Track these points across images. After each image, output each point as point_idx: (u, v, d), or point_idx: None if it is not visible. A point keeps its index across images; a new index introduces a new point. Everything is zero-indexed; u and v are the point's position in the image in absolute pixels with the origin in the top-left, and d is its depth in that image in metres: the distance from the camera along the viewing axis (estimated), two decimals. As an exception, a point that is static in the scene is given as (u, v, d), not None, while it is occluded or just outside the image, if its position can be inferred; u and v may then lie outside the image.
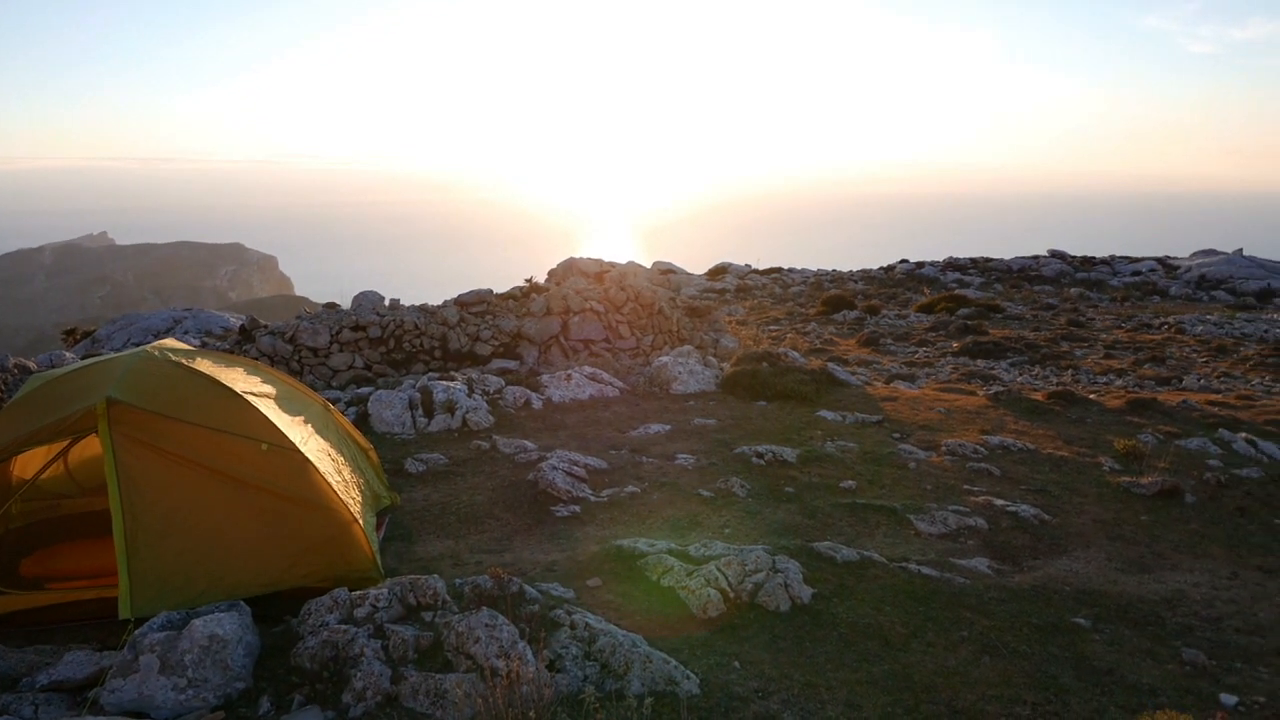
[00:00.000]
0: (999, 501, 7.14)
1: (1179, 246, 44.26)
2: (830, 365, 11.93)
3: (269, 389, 6.02)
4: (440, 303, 15.03)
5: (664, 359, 11.30)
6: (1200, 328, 21.68)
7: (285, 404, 5.98)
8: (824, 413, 9.75)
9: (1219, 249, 39.36)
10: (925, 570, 5.84)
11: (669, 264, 40.94)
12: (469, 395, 9.53)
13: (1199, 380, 14.07)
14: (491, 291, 15.18)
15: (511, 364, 13.53)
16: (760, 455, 8.02)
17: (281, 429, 5.47)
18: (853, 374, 13.61)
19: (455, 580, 4.96)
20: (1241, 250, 38.04)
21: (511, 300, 15.72)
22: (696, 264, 42.46)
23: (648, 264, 40.40)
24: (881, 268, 39.97)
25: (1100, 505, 7.36)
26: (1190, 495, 7.54)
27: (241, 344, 13.37)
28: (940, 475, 7.84)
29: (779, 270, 39.52)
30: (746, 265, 41.00)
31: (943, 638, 5.05)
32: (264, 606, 4.86)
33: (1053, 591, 5.77)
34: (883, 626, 5.11)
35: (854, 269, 40.35)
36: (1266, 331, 20.83)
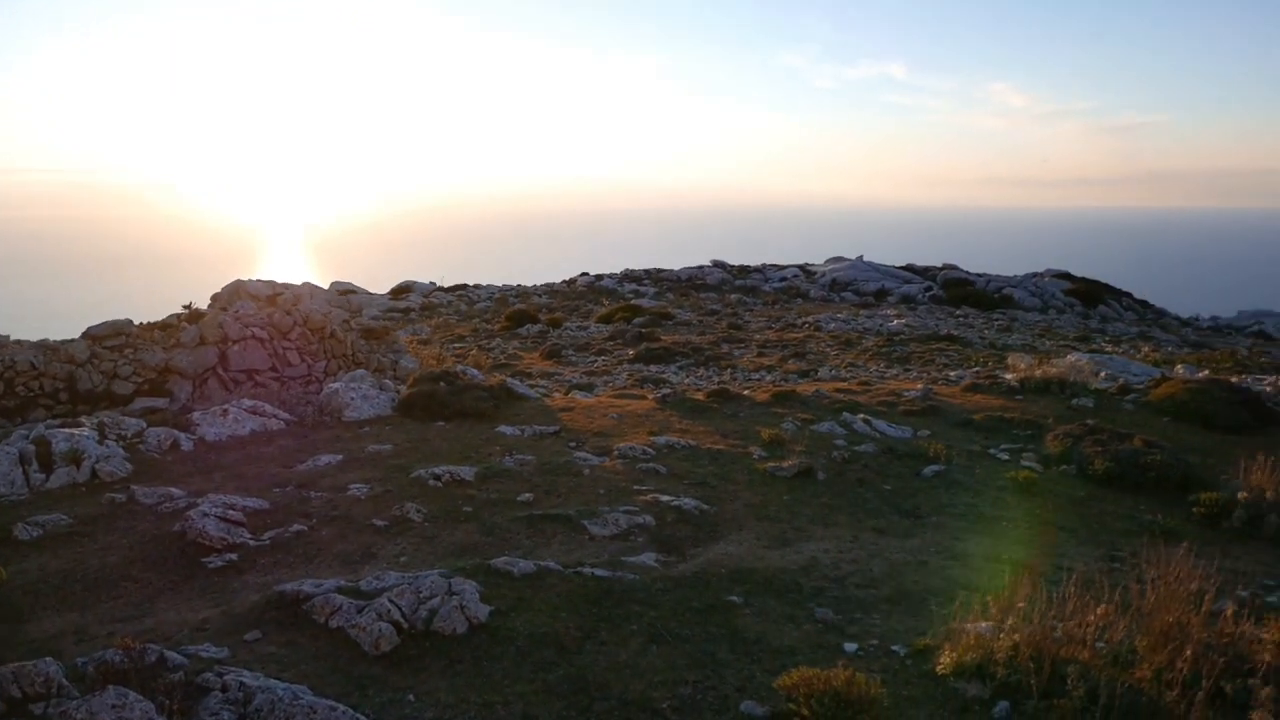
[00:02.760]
0: (665, 498, 7.65)
1: (816, 254, 50.47)
2: (510, 380, 12.08)
3: None
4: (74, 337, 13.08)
5: (335, 385, 10.74)
6: (833, 325, 24.92)
7: None
8: (503, 428, 9.84)
9: (845, 256, 45.46)
10: (598, 572, 6.08)
11: (349, 284, 39.10)
12: (99, 442, 8.36)
13: (831, 371, 16.18)
14: (131, 322, 13.50)
15: (160, 402, 12.11)
16: (438, 477, 7.90)
17: None
18: (534, 387, 13.89)
19: (77, 660, 4.32)
20: (862, 256, 44.24)
21: (159, 331, 14.10)
22: (379, 283, 40.88)
23: (325, 284, 38.31)
24: (564, 281, 41.28)
25: (751, 490, 8.16)
26: (822, 473, 8.61)
27: None
28: (612, 479, 8.24)
29: (465, 287, 39.35)
30: (432, 283, 40.31)
31: (615, 634, 5.29)
32: None
33: (711, 575, 6.29)
34: (559, 633, 5.24)
35: (539, 283, 41.25)
36: (881, 326, 24.47)
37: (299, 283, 33.24)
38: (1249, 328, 34.13)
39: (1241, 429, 10.86)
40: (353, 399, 10.40)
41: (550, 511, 7.28)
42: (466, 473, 8.06)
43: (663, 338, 21.69)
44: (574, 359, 19.32)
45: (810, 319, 26.70)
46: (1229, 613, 5.23)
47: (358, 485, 7.77)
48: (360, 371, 11.65)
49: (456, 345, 22.07)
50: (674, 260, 46.67)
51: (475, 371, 12.52)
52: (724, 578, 6.25)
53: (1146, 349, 22.87)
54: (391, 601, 5.26)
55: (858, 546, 7.04)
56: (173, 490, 7.44)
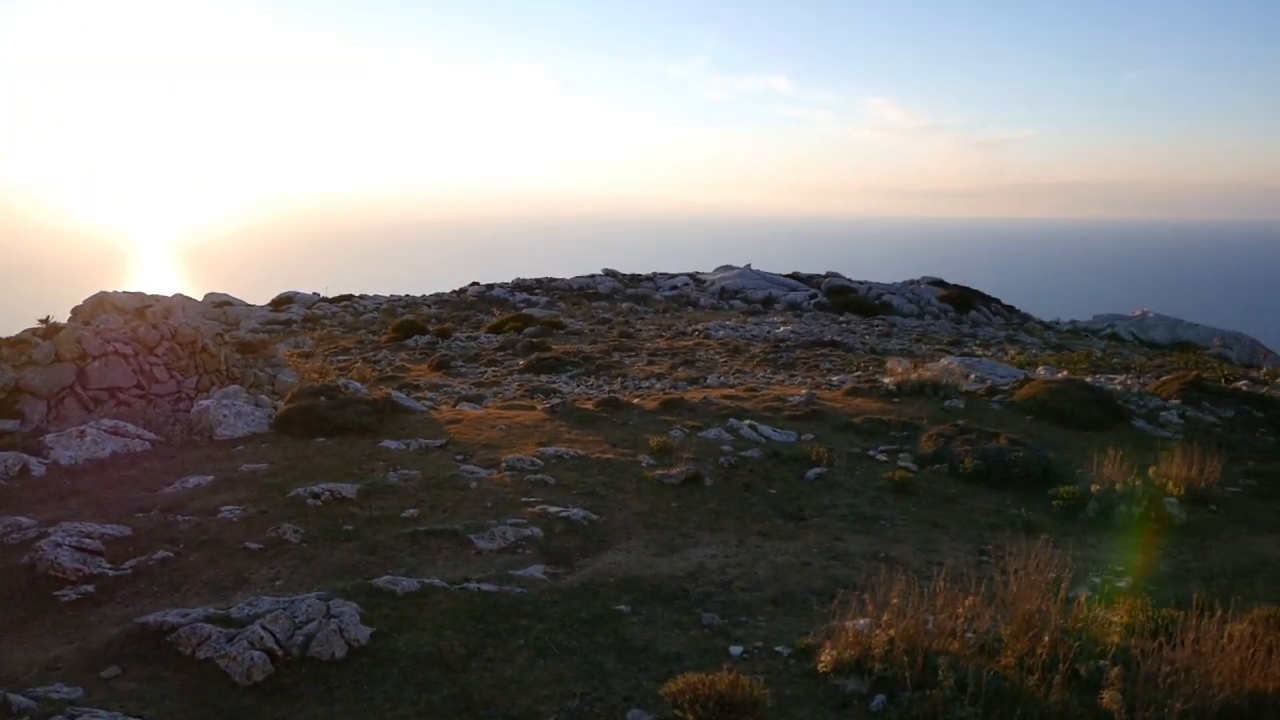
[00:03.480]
0: (553, 509, 7.61)
1: (707, 262, 51.31)
2: (395, 393, 11.78)
3: None
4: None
5: (206, 402, 10.22)
6: (722, 332, 25.37)
7: None
8: (388, 443, 9.59)
9: (734, 264, 46.39)
10: (485, 587, 5.99)
11: (225, 296, 37.41)
12: (-62, 471, 7.70)
13: (719, 378, 16.47)
14: (-28, 339, 12.49)
15: (10, 424, 11.25)
16: (317, 495, 7.62)
17: None
18: (421, 399, 13.59)
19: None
20: (751, 265, 45.23)
21: (9, 348, 13.10)
22: (259, 294, 39.26)
23: (199, 296, 36.50)
24: (454, 291, 40.60)
25: (639, 499, 8.21)
26: (709, 479, 8.74)
27: None
28: (500, 491, 8.14)
29: (350, 298, 38.19)
30: (315, 294, 38.97)
31: (501, 650, 5.22)
32: None
33: (600, 585, 6.28)
34: (443, 651, 5.13)
35: (428, 293, 40.44)
36: (768, 332, 25.06)
37: (170, 294, 31.57)
38: (1103, 330, 36.61)
39: (1095, 425, 11.62)
40: (225, 416, 9.93)
41: (436, 527, 7.13)
42: (348, 490, 7.81)
43: (554, 347, 21.59)
44: (463, 370, 19.02)
45: (700, 327, 27.11)
46: (1082, 598, 5.58)
47: (230, 507, 7.41)
48: (234, 387, 11.13)
49: (341, 358, 21.38)
50: (566, 269, 46.60)
51: (359, 385, 12.16)
52: (612, 587, 6.26)
53: (1013, 352, 24.21)
54: (265, 628, 5.03)
55: (744, 550, 7.17)
56: (20, 519, 6.91)
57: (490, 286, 40.50)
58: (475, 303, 37.02)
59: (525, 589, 6.07)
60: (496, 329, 27.29)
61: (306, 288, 40.10)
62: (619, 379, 16.99)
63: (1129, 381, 14.95)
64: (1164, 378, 14.35)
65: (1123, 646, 5.07)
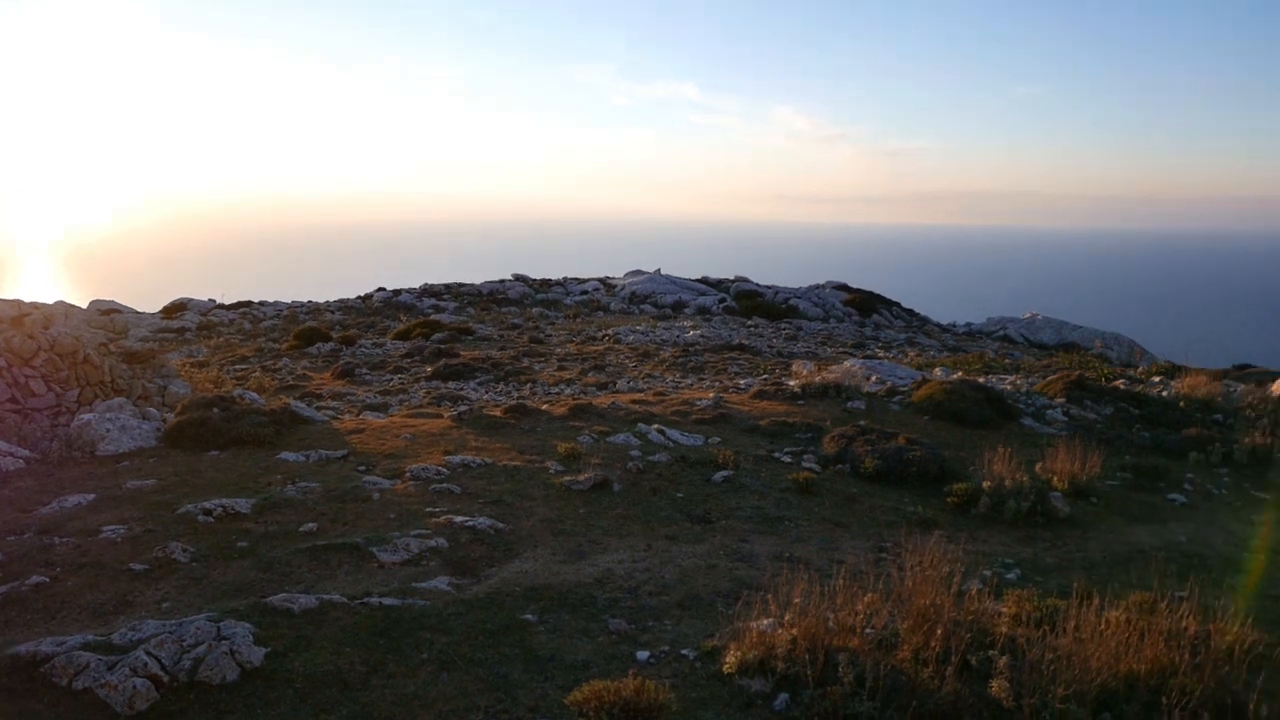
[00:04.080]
0: (459, 518, 7.49)
1: (617, 267, 51.44)
2: (295, 403, 11.40)
3: None
4: None
5: (88, 416, 9.68)
6: (632, 337, 25.47)
7: None
8: (286, 455, 9.26)
9: (644, 269, 46.68)
10: (387, 601, 5.85)
11: (112, 303, 35.60)
12: None
13: (629, 383, 16.51)
14: None
15: None
16: (209, 512, 7.31)
17: None
18: (323, 409, 13.20)
19: None
20: (661, 270, 45.59)
21: None
22: (149, 301, 37.51)
23: (84, 303, 34.58)
24: (360, 296, 39.65)
25: (547, 506, 8.15)
26: (617, 484, 8.75)
27: None
28: (404, 502, 7.96)
29: (249, 304, 36.85)
30: (211, 300, 37.44)
31: (403, 665, 5.10)
32: None
33: (506, 595, 6.21)
34: (342, 670, 4.99)
35: (332, 299, 39.37)
36: (678, 337, 25.28)
37: (52, 302, 29.78)
38: (996, 332, 38.27)
39: (987, 424, 12.12)
40: (109, 430, 9.42)
41: (336, 541, 6.93)
42: (243, 505, 7.52)
43: (462, 353, 21.29)
44: (368, 378, 18.56)
45: (610, 331, 27.15)
46: (973, 591, 5.81)
47: (113, 527, 7.04)
48: (119, 400, 10.57)
49: (239, 367, 20.59)
50: (476, 274, 46.06)
51: (256, 395, 11.72)
52: (519, 596, 6.20)
53: (912, 354, 25.07)
54: (149, 654, 4.79)
55: (651, 555, 7.20)
56: (-124, 546, 6.41)
57: (397, 292, 39.69)
58: (382, 309, 36.21)
59: (429, 601, 5.96)
60: (403, 335, 26.75)
61: (202, 294, 38.52)
62: (529, 385, 16.86)
63: (1018, 381, 15.66)
64: (1050, 378, 15.08)
65: (1010, 636, 5.29)
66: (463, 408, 12.16)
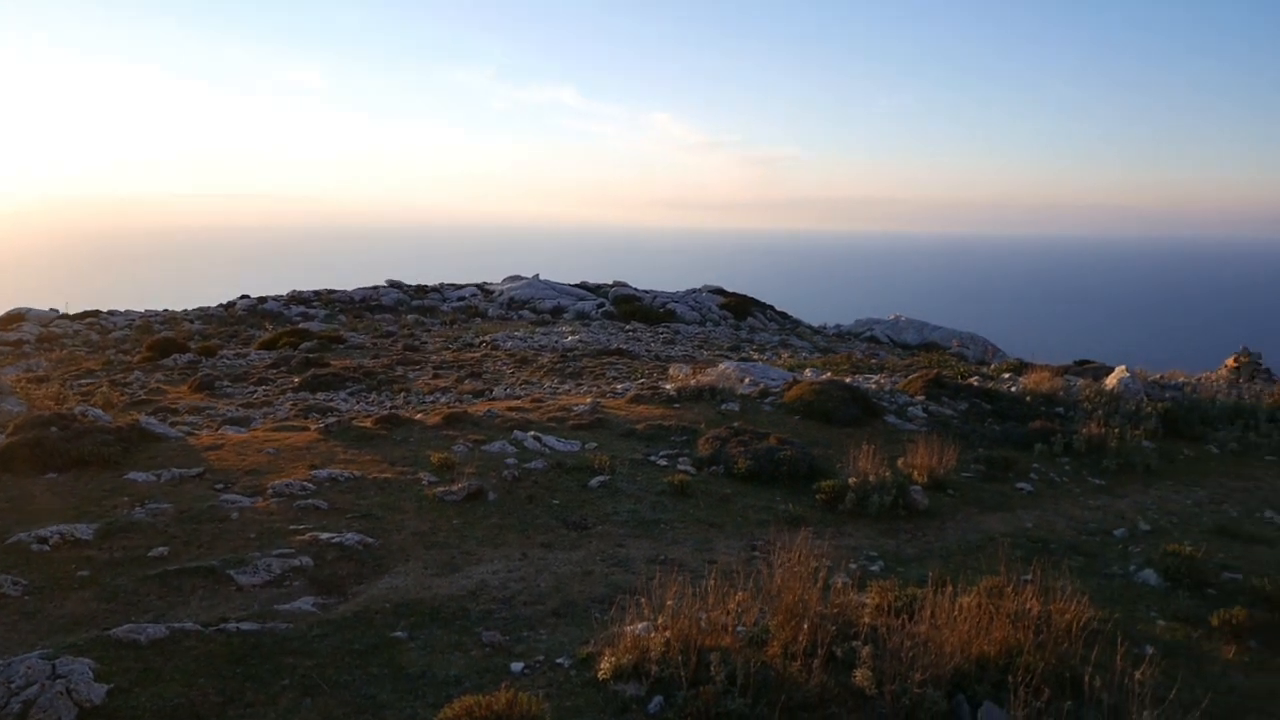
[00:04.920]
0: (325, 535, 7.20)
1: (495, 272, 50.82)
2: (146, 420, 10.71)
3: None
4: None
5: (-98, 440, 8.79)
6: (510, 343, 25.20)
7: None
8: (135, 475, 8.68)
9: (523, 274, 46.31)
10: (245, 626, 5.57)
11: (-66, 315, 32.54)
12: None
13: (506, 390, 16.32)
14: None
15: None
16: (44, 540, 6.76)
17: None
18: (178, 425, 12.47)
19: None
20: (539, 275, 45.33)
21: None
22: (-22, 312, 34.50)
23: (-101, 316, 31.42)
24: (222, 305, 37.73)
25: (419, 518, 7.95)
26: (493, 493, 8.62)
27: None
28: (266, 520, 7.60)
29: (97, 314, 34.40)
30: (53, 310, 34.75)
31: (262, 694, 4.86)
32: None
33: (374, 612, 6.02)
34: (195, 702, 4.71)
35: (191, 308, 37.29)
36: (557, 342, 25.19)
37: None
38: (864, 333, 39.93)
39: (854, 422, 12.61)
40: (-72, 455, 8.57)
41: (189, 565, 6.54)
42: (84, 531, 6.99)
43: (333, 363, 20.54)
44: (230, 391, 17.65)
45: (488, 338, 26.78)
46: (838, 585, 6.02)
47: (-69, 561, 6.42)
48: (-59, 421, 9.65)
49: (84, 382, 19.17)
50: (348, 281, 44.53)
51: (101, 412, 10.94)
52: (388, 613, 6.01)
53: (785, 355, 25.83)
54: (-30, 699, 4.39)
55: (526, 564, 7.13)
56: None
57: (263, 299, 37.95)
58: (245, 317, 34.53)
59: (292, 624, 5.70)
60: (269, 345, 25.58)
61: (42, 303, 35.71)
62: (402, 394, 16.42)
63: (883, 380, 16.36)
64: (911, 376, 15.83)
65: (873, 626, 5.50)
66: (332, 419, 11.72)
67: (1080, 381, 16.44)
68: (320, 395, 16.35)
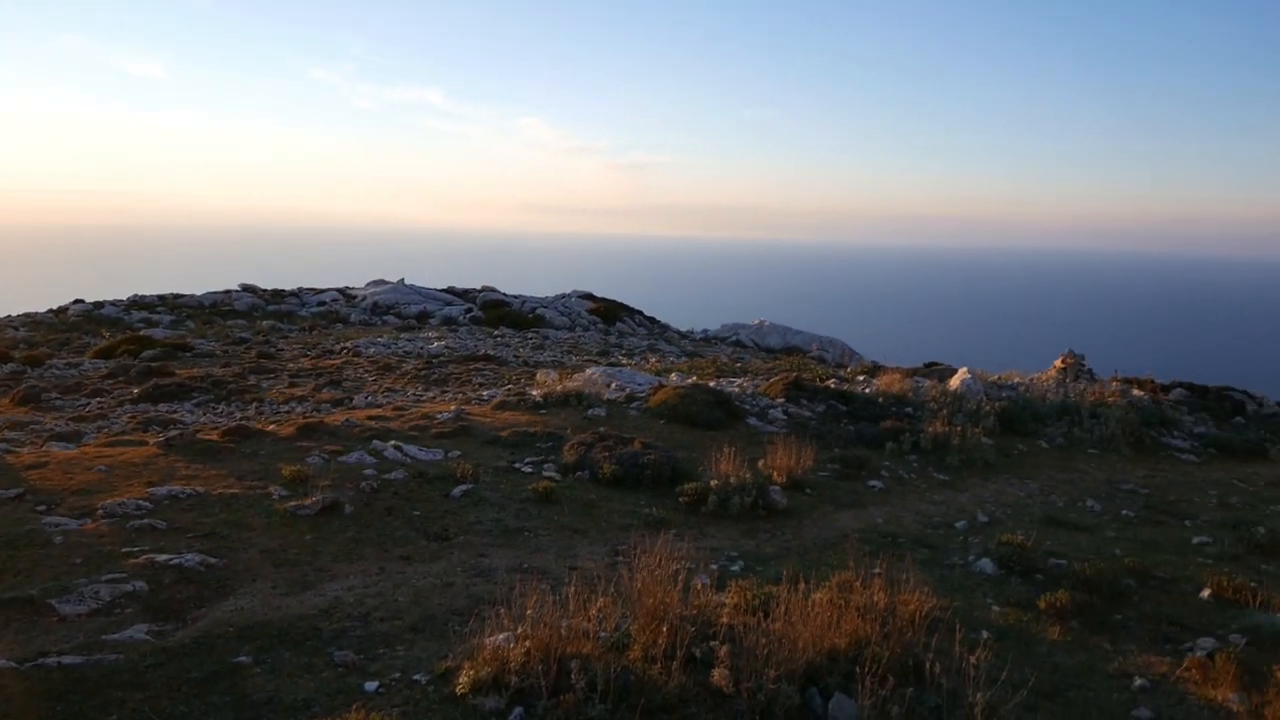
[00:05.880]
0: (162, 557, 6.74)
1: (359, 276, 49.18)
2: (-45, 436, 9.74)
3: None
4: None
5: None
6: (373, 349, 24.42)
7: None
8: (-60, 499, 7.88)
9: (388, 278, 45.01)
10: (67, 660, 5.14)
11: None
12: None
13: (367, 398, 15.79)
14: None
15: None
16: None
17: None
18: (-4, 442, 11.40)
19: None
20: (405, 279, 44.18)
21: None
22: None
23: None
24: (52, 310, 34.92)
25: (269, 535, 7.57)
26: (349, 506, 8.31)
27: None
28: (95, 543, 7.04)
29: (-102, 321, 31.12)
30: None
31: (86, 731, 4.50)
32: None
33: (216, 637, 5.68)
34: (6, 746, 4.31)
35: (15, 314, 34.33)
36: (422, 348, 24.59)
37: None
38: (729, 338, 40.93)
39: (717, 425, 12.88)
40: None
41: (3, 596, 5.98)
42: (-124, 563, 6.28)
43: (178, 372, 19.32)
44: (60, 403, 16.31)
45: (349, 344, 25.86)
46: (697, 586, 6.11)
47: None
48: None
49: (-117, 396, 17.27)
50: (197, 285, 42.06)
51: (-99, 429, 9.86)
52: (232, 637, 5.69)
53: (654, 360, 26.14)
54: None
55: (384, 578, 6.90)
56: None
57: (99, 305, 35.34)
58: (80, 324, 32.05)
59: (121, 655, 5.30)
60: (106, 353, 23.82)
61: None
62: (254, 404, 15.61)
63: (746, 384, 16.80)
64: (772, 379, 16.33)
65: (731, 625, 5.61)
66: (174, 432, 11.01)
67: (928, 383, 17.40)
68: (162, 407, 15.34)
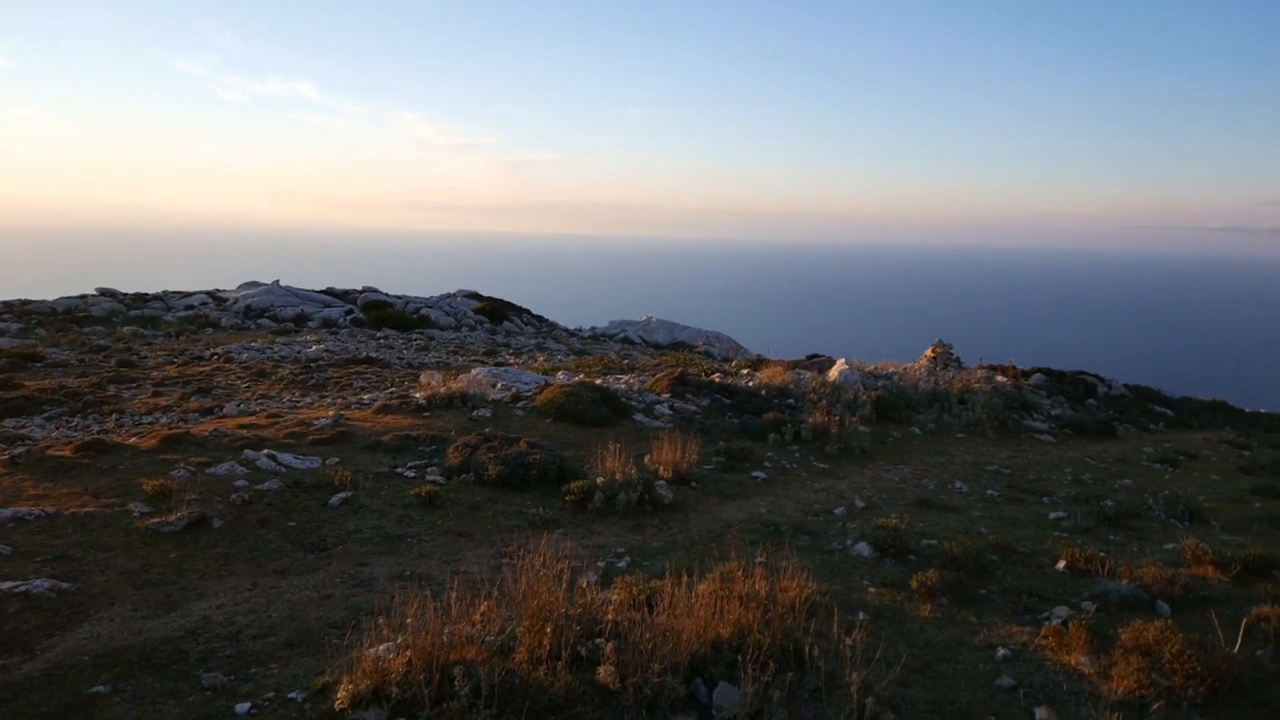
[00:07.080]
0: (5, 585, 6.24)
1: (229, 278, 46.90)
2: None
3: None
4: None
5: None
6: (246, 355, 23.34)
7: None
8: None
9: (261, 280, 43.08)
10: (-107, 703, 4.69)
11: None
12: None
13: (239, 405, 15.07)
14: None
15: None
16: None
17: None
18: None
19: None
20: (279, 281, 42.37)
21: None
22: None
23: None
24: (-128, 320, 31.78)
25: (128, 555, 7.12)
26: (218, 520, 7.91)
27: None
28: (-73, 574, 6.46)
29: None
30: None
31: (-84, 779, 4.12)
32: None
33: (70, 667, 5.30)
34: None
35: None
36: (299, 353, 23.67)
37: None
38: (617, 335, 41.09)
39: (604, 423, 12.91)
40: None
41: None
42: None
43: (27, 384, 17.94)
44: (-114, 422, 14.88)
45: (220, 350, 24.62)
46: (583, 584, 6.11)
47: None
48: None
49: None
50: (49, 290, 39.16)
51: None
52: (87, 666, 5.32)
53: (542, 359, 25.97)
54: None
55: (257, 593, 6.60)
56: None
57: (-68, 313, 32.41)
58: (-89, 335, 29.30)
59: (-42, 693, 4.88)
60: (-59, 366, 21.85)
61: None
62: (113, 415, 14.66)
63: (632, 380, 16.90)
64: (658, 375, 16.48)
65: (616, 622, 5.63)
66: (20, 449, 10.22)
67: (808, 374, 17.93)
68: (9, 423, 14.22)
